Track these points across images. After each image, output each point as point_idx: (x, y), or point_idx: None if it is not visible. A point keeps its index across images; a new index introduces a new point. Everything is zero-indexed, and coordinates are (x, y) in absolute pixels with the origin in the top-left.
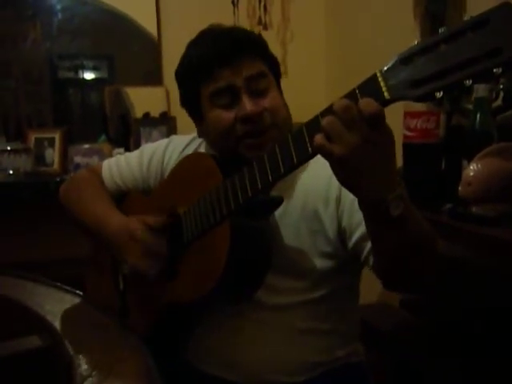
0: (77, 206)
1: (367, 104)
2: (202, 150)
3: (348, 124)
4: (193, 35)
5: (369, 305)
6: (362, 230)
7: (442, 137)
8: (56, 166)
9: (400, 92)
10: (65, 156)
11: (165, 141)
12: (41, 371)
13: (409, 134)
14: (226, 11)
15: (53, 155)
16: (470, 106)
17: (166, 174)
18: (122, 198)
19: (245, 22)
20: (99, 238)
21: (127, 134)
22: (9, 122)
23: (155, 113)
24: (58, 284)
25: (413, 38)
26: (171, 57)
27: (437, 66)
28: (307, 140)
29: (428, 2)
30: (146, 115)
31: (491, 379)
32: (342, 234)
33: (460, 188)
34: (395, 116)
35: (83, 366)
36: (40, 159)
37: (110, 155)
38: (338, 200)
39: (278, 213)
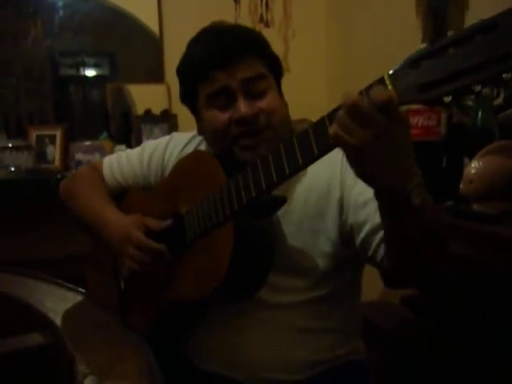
0: (76, 203)
1: (378, 93)
2: (203, 147)
3: (359, 116)
4: (195, 32)
5: (370, 303)
6: (370, 224)
7: (444, 134)
8: (57, 163)
9: (408, 95)
10: (66, 153)
11: (166, 138)
12: (42, 368)
13: None
14: (227, 8)
15: (54, 152)
16: (472, 104)
17: (167, 171)
18: (123, 194)
19: (246, 19)
20: (98, 236)
21: (128, 131)
22: (10, 119)
23: (157, 110)
24: (60, 281)
25: (414, 36)
26: (173, 54)
27: (445, 70)
28: (313, 142)
29: None
30: (148, 112)
31: (493, 377)
32: (347, 233)
33: (461, 186)
34: None
35: (85, 363)
36: (41, 156)
37: (112, 152)
38: (341, 200)
39: (280, 212)
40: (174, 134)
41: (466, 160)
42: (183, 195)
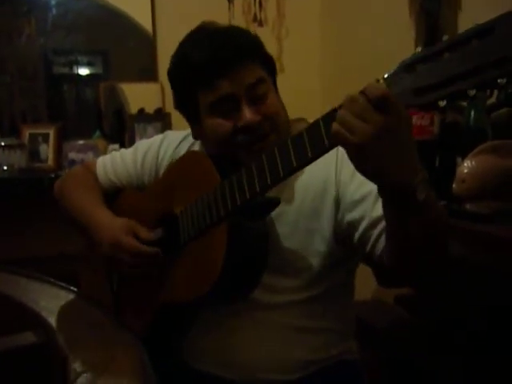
0: (68, 203)
1: (373, 88)
2: (197, 146)
3: (358, 113)
4: (188, 31)
5: (363, 302)
6: (367, 219)
7: (437, 134)
8: (50, 161)
9: (403, 99)
10: (59, 152)
11: (159, 137)
12: (35, 367)
13: None
14: (221, 7)
15: (47, 151)
16: (465, 103)
17: (161, 170)
18: (117, 194)
19: (240, 19)
20: (90, 239)
21: (122, 130)
22: (3, 117)
23: (150, 109)
24: (52, 280)
25: (408, 36)
26: (166, 53)
27: (440, 74)
28: (307, 144)
29: None
30: (141, 111)
31: (492, 377)
32: (343, 231)
33: (454, 185)
34: None
35: (78, 362)
36: (34, 155)
37: (105, 151)
38: (337, 199)
39: (275, 212)
40: (168, 133)
41: (459, 159)
42: (177, 195)
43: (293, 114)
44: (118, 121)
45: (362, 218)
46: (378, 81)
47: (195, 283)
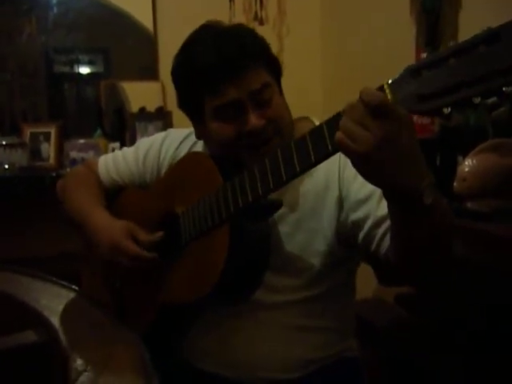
0: (68, 204)
1: (369, 95)
2: (199, 145)
3: (358, 120)
4: (189, 30)
5: (363, 300)
6: (372, 218)
7: (438, 132)
8: (52, 160)
9: (407, 105)
10: (60, 151)
11: (161, 135)
12: (36, 366)
13: None
14: (222, 6)
15: (48, 150)
16: None
17: (163, 169)
18: (119, 192)
19: (241, 17)
20: (89, 241)
21: (123, 129)
22: (4, 116)
23: (151, 107)
24: (54, 279)
25: (408, 35)
26: (167, 51)
27: (445, 80)
28: (311, 149)
29: None
30: (142, 110)
31: (492, 376)
32: (347, 231)
33: (455, 184)
34: None
35: (79, 360)
36: (35, 154)
37: (106, 150)
38: (340, 199)
39: (276, 213)
40: (170, 131)
41: (460, 158)
42: (179, 195)
43: (294, 112)
44: (119, 119)
45: (366, 217)
46: (382, 86)
47: (196, 284)
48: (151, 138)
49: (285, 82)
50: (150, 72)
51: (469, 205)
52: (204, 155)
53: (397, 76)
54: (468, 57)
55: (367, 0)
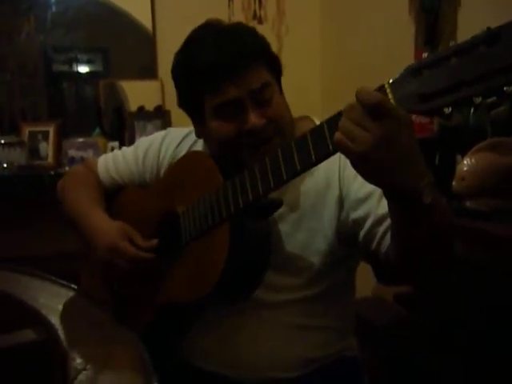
0: (67, 205)
1: (365, 95)
2: (199, 144)
3: (358, 121)
4: (188, 29)
5: (363, 299)
6: (373, 216)
7: (436, 131)
8: (50, 159)
9: (407, 105)
10: (59, 149)
11: (161, 133)
12: (35, 365)
13: None
14: (220, 5)
15: (47, 149)
16: None
17: (163, 168)
18: (118, 191)
19: (239, 16)
20: (86, 241)
21: (122, 128)
22: (3, 115)
23: (150, 106)
24: (53, 278)
25: (408, 33)
26: (166, 50)
27: (446, 80)
28: (311, 148)
29: None
30: (141, 109)
31: (492, 376)
32: (347, 230)
33: (454, 183)
34: None
35: (78, 359)
36: (34, 153)
37: (105, 149)
38: (340, 198)
39: (276, 212)
40: (170, 130)
41: (459, 157)
42: (179, 194)
43: (293, 111)
44: (118, 118)
45: (367, 216)
46: (382, 86)
47: (197, 284)
48: (151, 137)
49: (284, 81)
50: (148, 71)
51: (467, 204)
52: (204, 154)
53: (397, 75)
54: (469, 56)
55: None
